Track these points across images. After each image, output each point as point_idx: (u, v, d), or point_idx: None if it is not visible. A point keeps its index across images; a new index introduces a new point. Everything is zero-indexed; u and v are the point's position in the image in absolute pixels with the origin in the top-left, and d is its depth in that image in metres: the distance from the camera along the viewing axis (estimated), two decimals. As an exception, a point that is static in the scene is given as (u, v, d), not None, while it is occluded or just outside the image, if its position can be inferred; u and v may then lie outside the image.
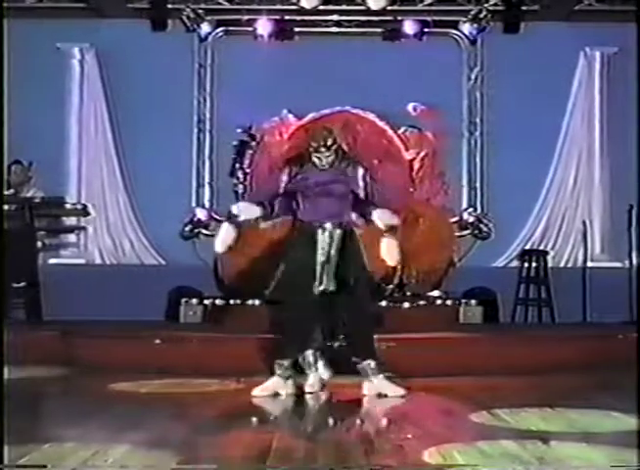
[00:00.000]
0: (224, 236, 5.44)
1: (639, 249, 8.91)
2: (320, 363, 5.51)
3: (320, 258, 5.35)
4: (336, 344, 5.60)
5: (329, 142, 5.51)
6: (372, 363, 5.38)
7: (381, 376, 5.38)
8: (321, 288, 5.33)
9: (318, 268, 5.34)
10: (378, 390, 5.36)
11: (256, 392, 5.32)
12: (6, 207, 8.21)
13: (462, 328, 8.06)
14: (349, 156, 5.76)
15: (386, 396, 5.34)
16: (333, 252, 5.37)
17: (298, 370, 5.50)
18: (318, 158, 5.48)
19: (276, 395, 5.33)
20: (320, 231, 5.39)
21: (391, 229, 5.50)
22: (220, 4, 11.00)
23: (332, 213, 5.42)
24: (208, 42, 11.09)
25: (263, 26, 10.82)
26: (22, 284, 8.07)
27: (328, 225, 5.40)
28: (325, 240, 5.38)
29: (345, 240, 5.43)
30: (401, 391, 5.36)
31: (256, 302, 8.46)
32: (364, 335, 5.46)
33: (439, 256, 9.10)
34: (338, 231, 5.41)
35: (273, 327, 5.71)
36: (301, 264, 5.39)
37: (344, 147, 5.95)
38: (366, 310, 5.56)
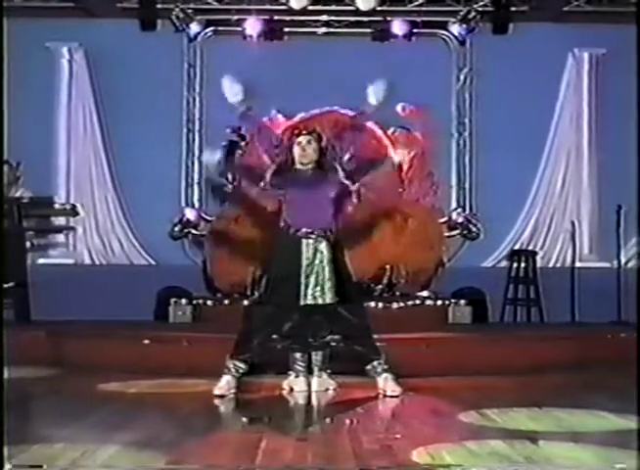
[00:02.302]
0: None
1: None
2: (324, 375, 5.58)
3: (304, 269, 5.35)
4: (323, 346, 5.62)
5: (312, 135, 5.55)
6: (381, 362, 5.43)
7: (384, 375, 5.42)
8: (308, 301, 5.33)
9: (302, 280, 5.34)
10: (379, 388, 5.40)
11: (216, 391, 5.36)
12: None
13: (451, 328, 8.08)
14: (327, 160, 5.73)
15: (384, 394, 5.36)
16: (317, 262, 5.37)
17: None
18: (301, 153, 5.49)
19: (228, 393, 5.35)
20: (304, 242, 5.39)
21: None
22: (209, 4, 10.99)
23: (318, 218, 5.41)
24: (197, 42, 11.08)
25: (252, 26, 10.82)
26: (11, 284, 8.05)
27: (312, 236, 5.39)
28: (309, 251, 5.38)
29: (333, 248, 5.43)
30: (398, 390, 5.39)
31: (245, 302, 8.46)
32: (367, 337, 5.49)
33: (428, 256, 9.11)
34: (323, 242, 5.41)
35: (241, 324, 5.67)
36: (285, 275, 5.38)
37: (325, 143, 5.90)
38: (364, 313, 5.59)
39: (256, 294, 5.68)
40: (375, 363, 5.45)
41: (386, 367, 5.43)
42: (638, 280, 8.35)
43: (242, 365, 5.41)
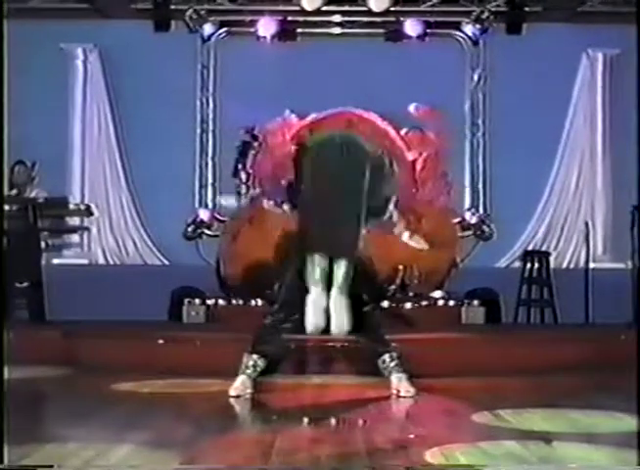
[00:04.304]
0: None
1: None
2: None
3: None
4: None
5: None
6: (392, 355, 5.37)
7: (398, 374, 5.38)
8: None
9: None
10: (393, 387, 5.35)
11: (231, 392, 5.34)
12: (9, 207, 8.23)
13: (464, 329, 8.07)
14: None
15: (398, 395, 5.33)
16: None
17: None
18: None
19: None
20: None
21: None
22: (223, 5, 11.01)
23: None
24: (211, 43, 11.10)
25: (266, 27, 10.83)
26: (26, 284, 8.09)
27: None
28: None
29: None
30: (412, 390, 5.35)
31: (259, 302, 8.49)
32: (375, 331, 5.42)
33: (442, 256, 9.11)
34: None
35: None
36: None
37: None
38: (372, 309, 5.51)
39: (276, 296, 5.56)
40: (386, 357, 5.38)
41: (399, 366, 5.39)
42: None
43: (260, 362, 5.37)
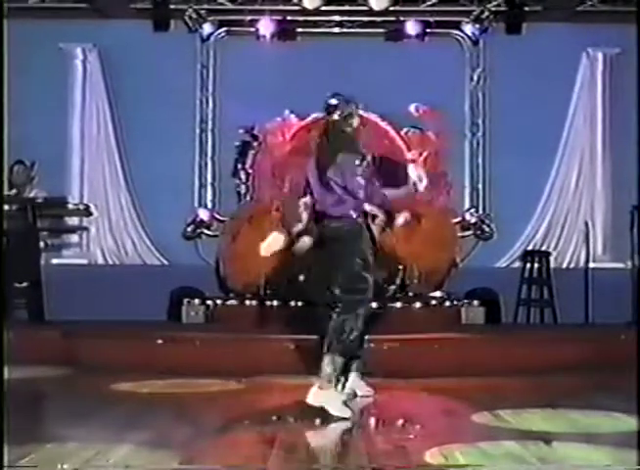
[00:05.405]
0: (271, 242, 5.20)
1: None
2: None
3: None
4: None
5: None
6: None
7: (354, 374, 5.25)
8: None
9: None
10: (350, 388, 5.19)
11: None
12: (8, 207, 8.23)
13: (464, 329, 8.08)
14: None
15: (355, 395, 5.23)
16: None
17: None
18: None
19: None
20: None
21: None
22: (222, 4, 11.00)
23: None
24: (211, 42, 11.09)
25: (265, 27, 10.82)
26: (25, 284, 8.08)
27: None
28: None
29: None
30: (370, 391, 5.27)
31: (257, 302, 8.51)
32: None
33: (442, 256, 9.13)
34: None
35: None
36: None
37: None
38: None
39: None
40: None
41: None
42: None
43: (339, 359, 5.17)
